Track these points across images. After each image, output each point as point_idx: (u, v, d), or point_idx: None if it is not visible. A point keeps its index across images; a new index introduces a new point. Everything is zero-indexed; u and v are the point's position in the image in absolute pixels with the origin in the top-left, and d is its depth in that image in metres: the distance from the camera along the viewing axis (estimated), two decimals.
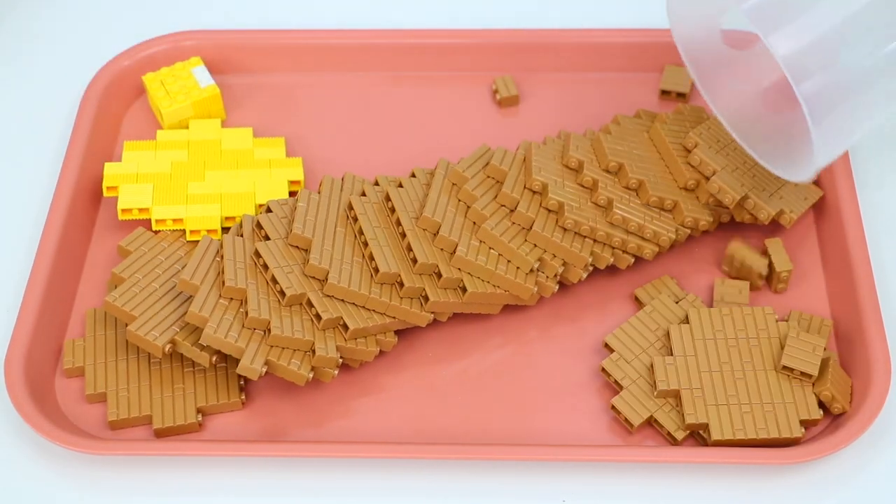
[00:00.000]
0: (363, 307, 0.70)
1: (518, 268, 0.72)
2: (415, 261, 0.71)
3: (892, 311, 0.73)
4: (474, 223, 0.72)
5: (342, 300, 0.69)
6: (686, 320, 0.72)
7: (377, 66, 0.85)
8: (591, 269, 0.73)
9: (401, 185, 0.74)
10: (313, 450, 0.67)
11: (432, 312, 0.71)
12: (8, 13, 0.91)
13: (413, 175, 0.75)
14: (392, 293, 0.70)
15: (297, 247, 0.71)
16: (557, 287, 0.73)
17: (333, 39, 0.85)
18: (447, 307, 0.71)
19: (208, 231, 0.75)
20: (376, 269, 0.70)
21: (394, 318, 0.70)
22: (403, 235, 0.72)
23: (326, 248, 0.70)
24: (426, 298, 0.71)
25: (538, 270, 0.72)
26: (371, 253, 0.71)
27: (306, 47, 0.85)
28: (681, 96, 0.83)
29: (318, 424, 0.70)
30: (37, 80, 0.87)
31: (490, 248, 0.72)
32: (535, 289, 0.72)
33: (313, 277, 0.70)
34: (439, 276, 0.71)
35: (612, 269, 0.76)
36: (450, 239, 0.71)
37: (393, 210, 0.73)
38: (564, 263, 0.73)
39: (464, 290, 0.71)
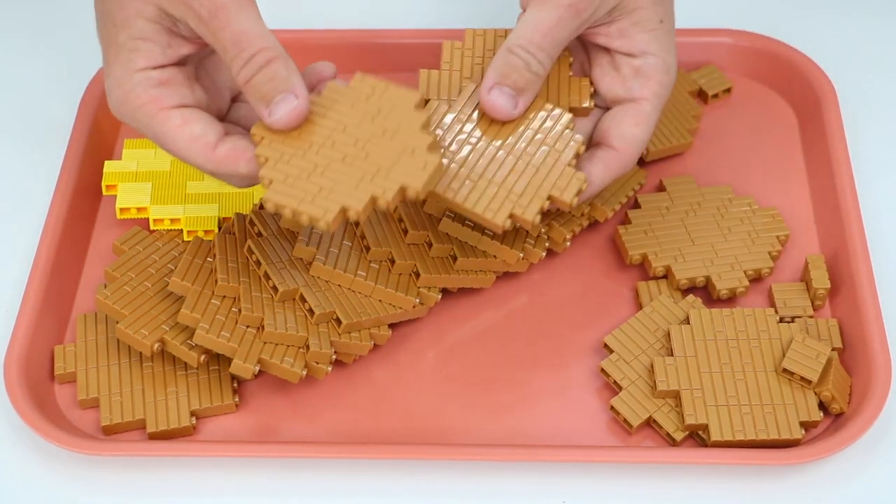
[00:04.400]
0: (351, 292, 0.70)
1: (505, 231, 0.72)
2: (406, 231, 0.71)
3: (893, 311, 0.72)
4: None
5: (335, 295, 0.70)
6: (686, 321, 0.71)
7: (377, 66, 0.85)
8: (574, 232, 0.74)
9: None
10: (311, 451, 0.67)
11: (421, 288, 0.71)
12: (9, 13, 0.91)
13: None
14: (379, 276, 0.70)
15: (289, 230, 0.71)
16: (545, 254, 0.73)
17: (333, 39, 0.85)
18: (438, 281, 0.71)
19: (205, 231, 0.75)
20: (367, 248, 0.70)
21: (380, 301, 0.70)
22: (395, 208, 0.72)
23: (316, 232, 0.71)
24: (417, 275, 0.71)
25: (522, 229, 0.73)
26: (363, 231, 0.71)
27: (305, 47, 0.85)
28: None
29: (313, 420, 0.70)
30: (38, 79, 0.87)
31: None
32: (522, 254, 0.72)
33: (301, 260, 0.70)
34: (430, 245, 0.71)
35: (612, 268, 0.76)
36: (438, 203, 0.71)
37: None
38: (549, 224, 0.73)
39: (454, 258, 0.72)
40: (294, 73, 0.64)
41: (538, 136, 0.67)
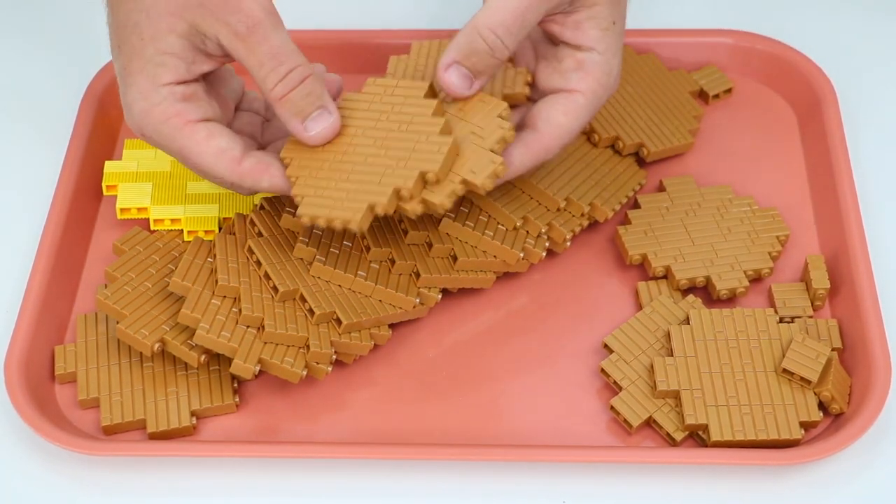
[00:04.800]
0: (352, 292, 0.70)
1: (506, 231, 0.72)
2: (406, 231, 0.71)
3: (893, 311, 0.72)
4: None
5: (336, 295, 0.70)
6: (686, 321, 0.71)
7: (376, 67, 0.85)
8: (574, 232, 0.74)
9: None
10: (311, 451, 0.67)
11: (421, 288, 0.71)
12: (10, 13, 0.91)
13: None
14: (379, 276, 0.71)
15: (289, 230, 0.72)
16: (545, 254, 0.73)
17: (332, 40, 0.85)
18: (438, 281, 0.72)
19: (205, 231, 0.75)
20: (367, 248, 0.70)
21: (381, 301, 0.71)
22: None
23: (316, 232, 0.71)
24: (417, 275, 0.71)
25: (522, 229, 0.73)
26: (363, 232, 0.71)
27: (304, 48, 0.84)
28: None
29: (314, 420, 0.70)
30: (39, 79, 0.87)
31: (479, 213, 0.73)
32: (522, 254, 0.72)
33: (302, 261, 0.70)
34: (430, 245, 0.71)
35: (612, 268, 0.76)
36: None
37: None
38: (549, 224, 0.73)
39: (454, 258, 0.72)
40: (325, 90, 0.67)
41: (468, 123, 0.68)
